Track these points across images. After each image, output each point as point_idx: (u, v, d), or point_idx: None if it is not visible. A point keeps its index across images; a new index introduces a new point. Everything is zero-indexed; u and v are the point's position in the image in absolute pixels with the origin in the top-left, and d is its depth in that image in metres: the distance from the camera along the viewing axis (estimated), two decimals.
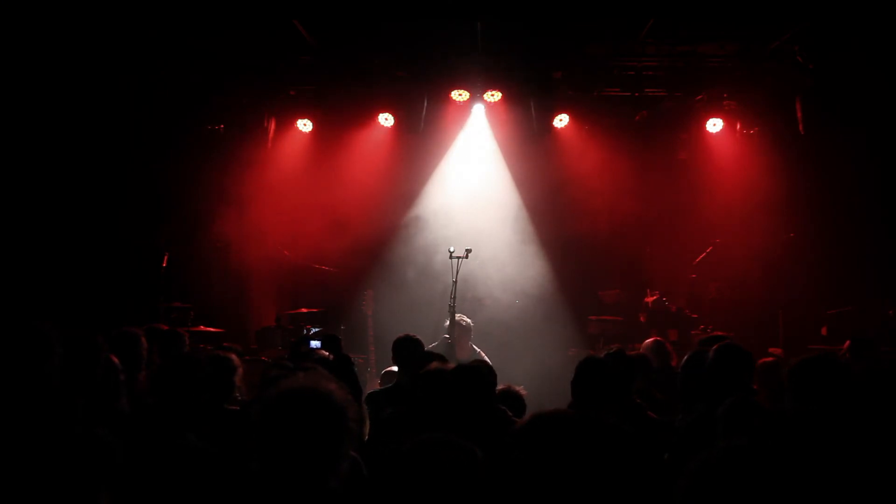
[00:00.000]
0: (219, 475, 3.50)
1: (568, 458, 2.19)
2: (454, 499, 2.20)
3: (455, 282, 8.81)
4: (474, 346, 8.61)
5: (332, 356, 5.60)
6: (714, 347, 4.58)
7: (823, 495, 1.96)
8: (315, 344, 5.15)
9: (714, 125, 11.08)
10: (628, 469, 2.80)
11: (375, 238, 11.15)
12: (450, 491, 2.20)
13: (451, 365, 4.68)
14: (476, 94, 10.95)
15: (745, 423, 3.54)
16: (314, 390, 2.58)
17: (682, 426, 4.35)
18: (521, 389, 5.29)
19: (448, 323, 8.63)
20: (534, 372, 8.81)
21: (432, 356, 5.77)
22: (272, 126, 11.42)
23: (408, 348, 5.98)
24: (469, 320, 8.75)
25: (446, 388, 4.22)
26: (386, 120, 11.27)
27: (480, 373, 4.24)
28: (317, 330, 9.93)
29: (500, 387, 5.15)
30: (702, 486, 1.95)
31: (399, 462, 2.26)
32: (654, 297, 10.74)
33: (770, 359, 6.22)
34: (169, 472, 3.49)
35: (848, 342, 6.44)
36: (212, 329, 9.47)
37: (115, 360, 4.19)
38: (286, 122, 11.41)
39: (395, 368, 6.34)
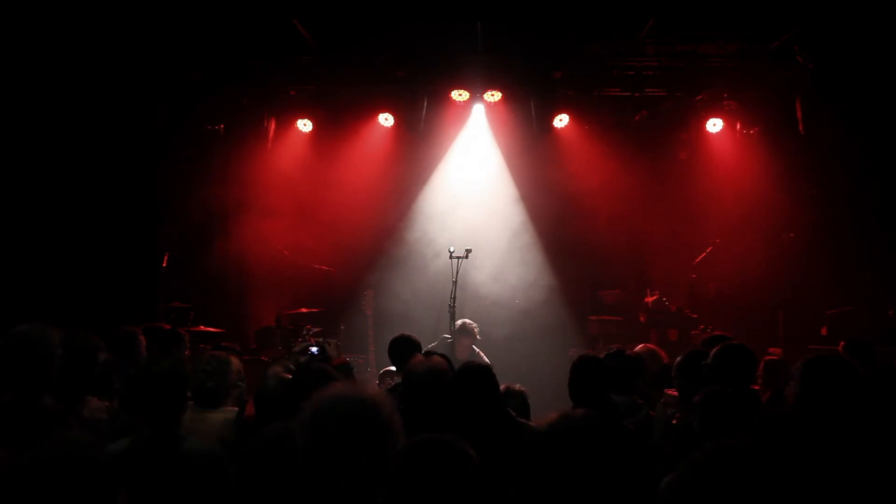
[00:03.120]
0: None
1: (593, 459, 2.21)
2: (447, 500, 2.18)
3: (455, 282, 8.81)
4: (474, 347, 8.60)
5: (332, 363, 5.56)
6: (716, 349, 4.58)
7: (819, 495, 1.96)
8: (314, 350, 5.14)
9: (714, 125, 11.08)
10: (641, 469, 2.82)
11: (375, 238, 11.17)
12: (442, 491, 2.18)
13: (437, 359, 4.65)
14: (476, 94, 10.95)
15: (721, 413, 3.52)
16: (374, 411, 2.53)
17: (681, 425, 4.36)
18: (520, 387, 5.29)
19: (457, 325, 8.60)
20: (533, 372, 8.81)
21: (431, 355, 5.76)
22: (272, 126, 11.42)
23: (404, 348, 5.97)
24: (475, 326, 8.67)
25: (448, 388, 4.21)
26: (386, 120, 11.27)
27: (485, 373, 4.22)
28: (317, 330, 9.93)
29: (500, 387, 5.15)
30: (688, 488, 1.95)
31: (397, 461, 2.25)
32: (654, 297, 10.74)
33: (774, 357, 6.22)
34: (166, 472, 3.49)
35: (842, 343, 6.44)
36: (212, 329, 9.47)
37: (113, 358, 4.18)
38: (286, 122, 11.42)
39: (394, 368, 6.34)
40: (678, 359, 4.95)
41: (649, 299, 10.80)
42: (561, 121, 11.18)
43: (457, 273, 8.79)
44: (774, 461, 1.93)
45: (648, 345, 6.73)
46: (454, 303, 8.77)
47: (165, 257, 9.91)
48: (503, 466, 3.21)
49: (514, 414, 4.65)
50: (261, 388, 4.26)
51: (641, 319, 10.75)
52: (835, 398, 3.55)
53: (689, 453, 2.05)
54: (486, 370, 4.25)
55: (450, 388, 4.20)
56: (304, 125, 11.33)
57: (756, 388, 5.20)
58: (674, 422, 4.74)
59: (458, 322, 8.52)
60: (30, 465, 2.23)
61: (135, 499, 2.86)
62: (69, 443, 2.38)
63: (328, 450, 2.49)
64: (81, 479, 2.22)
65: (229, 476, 3.59)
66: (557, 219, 11.28)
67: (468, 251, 8.83)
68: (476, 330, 8.59)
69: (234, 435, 4.28)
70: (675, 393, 4.94)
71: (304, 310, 10.56)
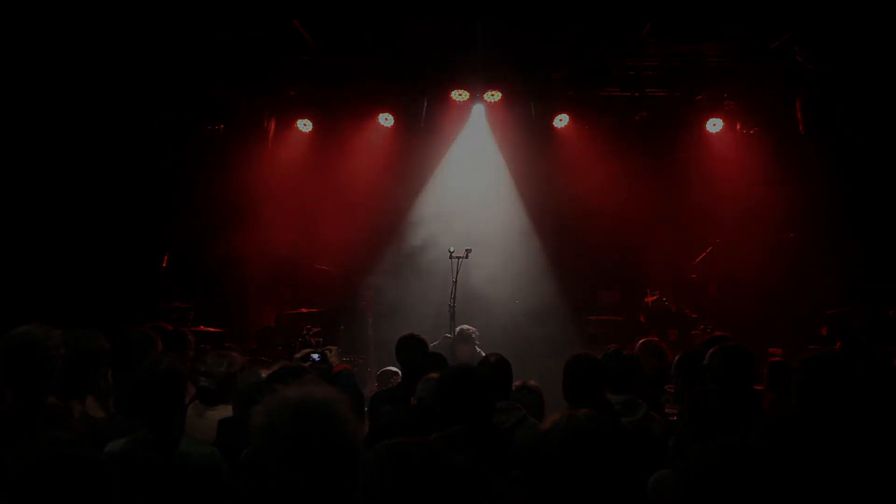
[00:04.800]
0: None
1: (596, 457, 2.22)
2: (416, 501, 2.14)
3: (455, 282, 8.81)
4: (477, 348, 8.58)
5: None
6: (711, 350, 4.58)
7: (817, 496, 1.96)
8: (315, 357, 5.14)
9: (714, 125, 11.09)
10: (640, 467, 2.82)
11: (375, 238, 11.17)
12: (412, 493, 2.14)
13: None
14: (476, 94, 10.94)
15: (708, 413, 3.52)
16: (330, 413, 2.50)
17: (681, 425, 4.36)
18: (534, 384, 5.27)
19: (456, 331, 8.58)
20: (533, 372, 8.78)
21: (434, 357, 5.77)
22: (272, 126, 11.42)
23: (411, 348, 5.97)
24: (474, 331, 8.64)
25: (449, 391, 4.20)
26: (386, 120, 11.27)
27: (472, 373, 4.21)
28: (317, 330, 9.94)
29: (516, 383, 5.15)
30: (695, 484, 1.95)
31: (365, 466, 2.22)
32: (654, 297, 10.73)
33: (776, 358, 6.23)
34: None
35: (839, 343, 6.43)
36: (212, 329, 9.47)
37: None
38: (286, 122, 11.42)
39: (392, 368, 6.34)
40: (676, 359, 4.95)
41: (649, 299, 10.80)
42: (561, 121, 11.19)
43: (457, 273, 8.79)
44: (770, 461, 1.94)
45: (650, 338, 6.72)
46: (454, 303, 8.77)
47: (165, 257, 9.91)
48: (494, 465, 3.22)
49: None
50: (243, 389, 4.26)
51: (641, 319, 10.75)
52: (833, 398, 3.54)
53: (682, 453, 2.06)
54: (471, 370, 4.21)
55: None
56: (304, 125, 11.32)
57: (760, 388, 5.20)
58: (672, 418, 4.76)
59: (458, 329, 8.49)
60: (29, 465, 2.23)
61: (131, 499, 2.86)
62: (68, 443, 2.38)
63: (283, 451, 2.46)
64: (79, 478, 2.22)
65: (224, 478, 3.60)
66: (557, 218, 11.28)
67: (468, 251, 8.84)
68: (475, 335, 8.57)
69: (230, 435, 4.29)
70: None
71: (304, 310, 10.56)
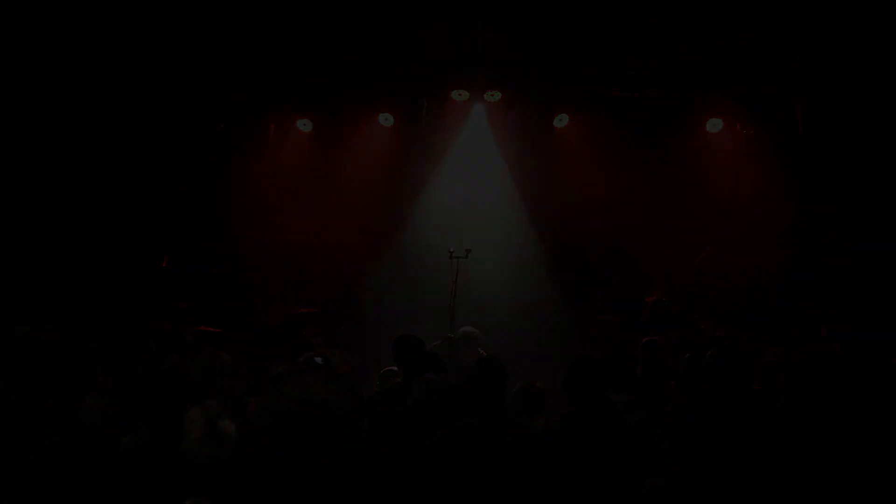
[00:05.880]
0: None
1: (588, 457, 2.21)
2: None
3: (455, 282, 8.80)
4: (480, 350, 8.57)
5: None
6: (710, 350, 4.58)
7: (818, 495, 1.97)
8: (318, 360, 5.13)
9: (714, 125, 11.09)
10: (638, 467, 2.81)
11: (375, 238, 11.16)
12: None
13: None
14: (476, 94, 10.94)
15: (707, 410, 3.51)
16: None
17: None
18: (540, 384, 5.26)
19: (459, 333, 8.56)
20: (532, 372, 8.78)
21: (434, 356, 5.77)
22: (272, 126, 11.42)
23: (408, 348, 5.97)
24: (477, 333, 8.62)
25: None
26: (386, 120, 11.27)
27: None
28: (317, 330, 9.92)
29: (520, 384, 5.14)
30: (693, 484, 1.96)
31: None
32: (654, 297, 10.73)
33: (773, 357, 6.24)
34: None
35: (838, 345, 6.44)
36: (212, 329, 9.47)
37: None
38: (286, 122, 11.41)
39: (394, 368, 6.34)
40: (679, 359, 4.95)
41: (649, 299, 10.79)
42: (561, 121, 11.18)
43: (456, 273, 8.79)
44: (769, 462, 1.94)
45: (650, 338, 6.72)
46: (454, 303, 8.76)
47: (165, 257, 9.92)
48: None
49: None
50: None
51: (641, 319, 10.74)
52: (830, 398, 3.54)
53: (681, 453, 2.06)
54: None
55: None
56: (304, 125, 11.32)
57: (758, 388, 5.20)
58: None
59: (461, 330, 8.48)
60: (30, 465, 2.24)
61: (132, 499, 2.86)
62: (69, 442, 2.38)
63: (281, 452, 2.45)
64: (81, 478, 2.23)
65: (225, 479, 3.60)
66: (557, 218, 11.28)
67: (468, 251, 8.83)
68: (478, 337, 8.55)
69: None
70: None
71: (303, 310, 10.55)
